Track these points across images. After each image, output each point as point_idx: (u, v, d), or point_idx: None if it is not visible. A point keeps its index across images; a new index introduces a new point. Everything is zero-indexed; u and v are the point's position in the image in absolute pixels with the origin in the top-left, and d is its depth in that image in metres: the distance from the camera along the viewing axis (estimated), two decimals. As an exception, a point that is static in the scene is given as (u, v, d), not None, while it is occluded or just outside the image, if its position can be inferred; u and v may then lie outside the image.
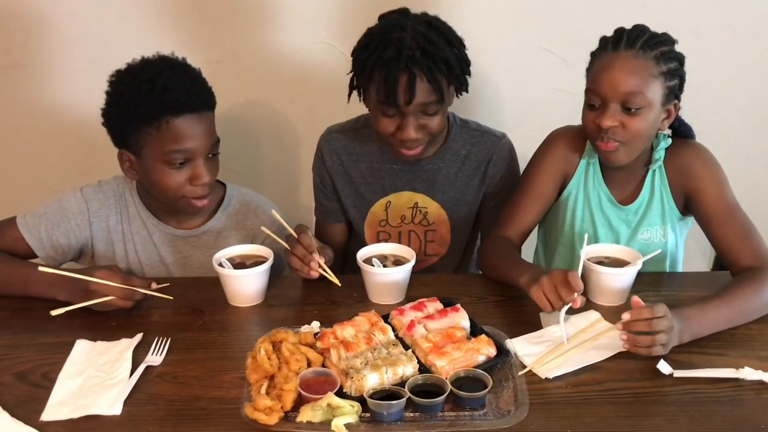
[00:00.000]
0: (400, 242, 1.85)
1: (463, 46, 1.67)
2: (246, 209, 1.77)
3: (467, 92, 1.72)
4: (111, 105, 1.57)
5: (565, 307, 1.38)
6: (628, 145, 1.56)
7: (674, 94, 1.56)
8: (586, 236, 1.52)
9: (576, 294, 1.37)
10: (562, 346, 1.34)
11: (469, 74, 1.70)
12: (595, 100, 1.55)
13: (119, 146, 1.60)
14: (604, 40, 1.57)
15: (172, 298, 1.50)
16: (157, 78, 1.51)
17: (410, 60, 1.55)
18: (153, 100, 1.49)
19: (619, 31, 1.56)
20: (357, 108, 1.95)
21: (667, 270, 1.76)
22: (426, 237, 1.88)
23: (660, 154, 1.64)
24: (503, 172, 1.83)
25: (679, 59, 1.56)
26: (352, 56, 1.69)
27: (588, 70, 1.59)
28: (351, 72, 1.70)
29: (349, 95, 1.72)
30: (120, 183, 1.73)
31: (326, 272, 1.52)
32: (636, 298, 1.32)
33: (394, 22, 1.62)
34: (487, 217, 1.87)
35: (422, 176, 1.82)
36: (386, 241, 1.88)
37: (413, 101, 1.58)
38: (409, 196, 1.84)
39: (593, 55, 1.59)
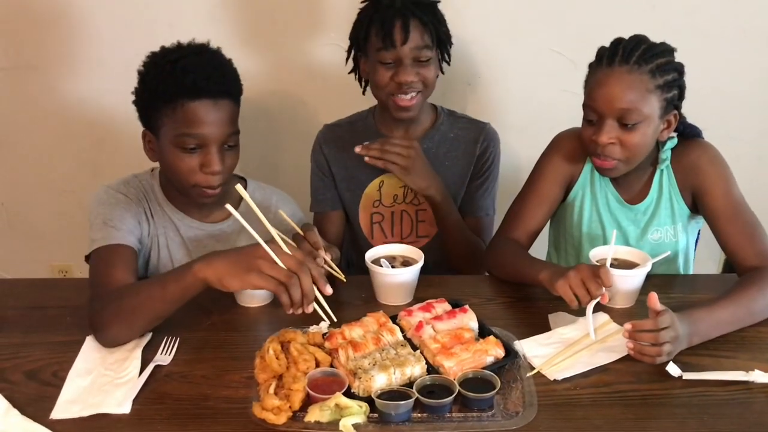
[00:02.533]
0: (392, 223, 1.97)
1: (444, 18, 1.83)
2: (268, 203, 1.78)
3: (449, 63, 1.90)
4: (139, 83, 1.60)
5: (593, 302, 1.37)
6: (625, 161, 1.57)
7: (673, 104, 1.55)
8: (614, 232, 1.51)
9: (604, 289, 1.36)
10: (571, 348, 1.34)
11: (451, 44, 1.87)
12: (591, 116, 1.55)
13: (143, 125, 1.62)
14: (600, 53, 1.56)
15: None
16: (181, 60, 1.53)
17: (403, 6, 1.74)
18: (172, 80, 1.51)
19: (615, 44, 1.54)
20: (367, 107, 1.97)
21: (680, 270, 1.75)
22: (417, 217, 1.97)
23: (666, 154, 1.64)
24: (488, 153, 1.95)
25: (678, 69, 1.54)
26: (350, 36, 1.85)
27: (585, 82, 1.59)
28: (350, 48, 1.87)
29: (356, 75, 1.91)
30: (143, 180, 1.72)
31: (332, 268, 1.53)
32: (654, 298, 1.30)
33: None
34: (466, 196, 1.97)
35: None
36: (380, 223, 1.97)
37: (408, 41, 1.73)
38: None
39: (590, 67, 1.58)
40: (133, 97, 1.62)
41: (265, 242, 1.30)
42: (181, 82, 1.51)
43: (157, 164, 1.71)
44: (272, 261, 1.28)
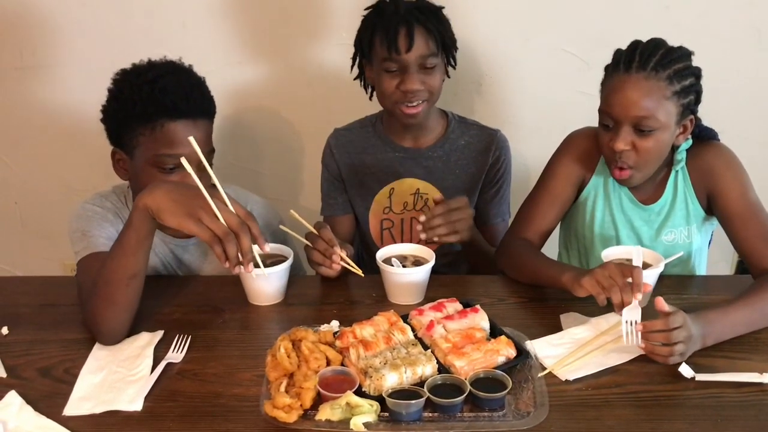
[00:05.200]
0: (402, 229, 1.98)
1: (449, 22, 1.83)
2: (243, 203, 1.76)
3: (455, 67, 1.89)
4: (111, 102, 1.57)
5: (634, 311, 1.32)
6: (641, 169, 1.56)
7: (690, 109, 1.54)
8: (639, 248, 1.49)
9: (638, 297, 1.33)
10: (582, 348, 1.33)
11: (456, 49, 1.86)
12: (607, 121, 1.55)
13: (114, 144, 1.60)
14: (617, 57, 1.55)
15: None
16: (159, 80, 1.51)
17: (408, 13, 1.74)
18: (151, 101, 1.49)
19: (632, 48, 1.53)
20: (377, 109, 1.97)
21: (694, 271, 1.74)
22: None
23: (681, 155, 1.63)
24: (500, 162, 1.94)
25: (696, 74, 1.53)
26: (355, 43, 1.85)
27: (602, 86, 1.58)
28: (355, 54, 1.87)
29: (361, 82, 1.91)
30: (119, 193, 1.71)
31: (349, 264, 1.53)
32: (660, 301, 1.29)
33: None
34: (481, 204, 1.97)
35: (423, 163, 1.94)
36: (389, 229, 1.98)
37: (413, 49, 1.72)
38: (410, 182, 1.95)
39: (606, 70, 1.57)
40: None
41: (211, 197, 1.29)
42: (161, 102, 1.49)
43: None
44: (214, 213, 1.27)
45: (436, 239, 1.63)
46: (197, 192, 1.29)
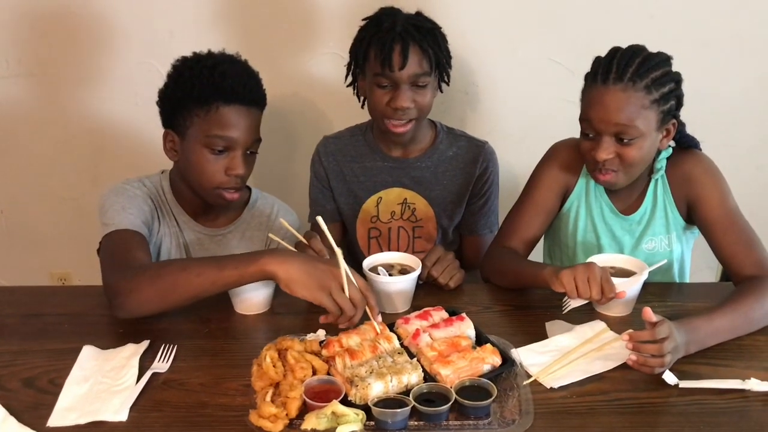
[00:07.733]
0: (389, 238, 1.99)
1: (446, 40, 1.83)
2: (270, 211, 1.83)
3: (448, 84, 1.89)
4: (169, 85, 1.64)
5: (581, 301, 1.43)
6: (626, 173, 1.58)
7: (671, 114, 1.56)
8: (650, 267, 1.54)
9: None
10: (567, 356, 1.34)
11: (451, 67, 1.86)
12: (589, 130, 1.56)
13: (166, 126, 1.65)
14: (595, 66, 1.55)
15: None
16: (218, 66, 1.59)
17: (404, 31, 1.73)
18: (209, 84, 1.57)
19: (610, 57, 1.53)
20: (365, 118, 1.97)
21: (676, 280, 1.75)
22: (414, 233, 1.99)
23: (661, 163, 1.65)
24: (488, 174, 1.95)
25: (675, 79, 1.54)
26: (350, 52, 1.85)
27: (582, 94, 1.59)
28: (349, 64, 1.87)
29: (354, 89, 1.91)
30: (153, 181, 1.75)
31: None
32: (647, 311, 1.29)
33: (387, 12, 1.81)
34: (468, 215, 1.99)
35: (411, 173, 1.95)
36: (377, 238, 1.99)
37: (406, 67, 1.72)
38: (398, 192, 1.96)
39: (586, 79, 1.58)
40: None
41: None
42: (220, 86, 1.57)
43: (167, 167, 1.74)
44: (341, 287, 1.37)
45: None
46: (327, 267, 1.38)
